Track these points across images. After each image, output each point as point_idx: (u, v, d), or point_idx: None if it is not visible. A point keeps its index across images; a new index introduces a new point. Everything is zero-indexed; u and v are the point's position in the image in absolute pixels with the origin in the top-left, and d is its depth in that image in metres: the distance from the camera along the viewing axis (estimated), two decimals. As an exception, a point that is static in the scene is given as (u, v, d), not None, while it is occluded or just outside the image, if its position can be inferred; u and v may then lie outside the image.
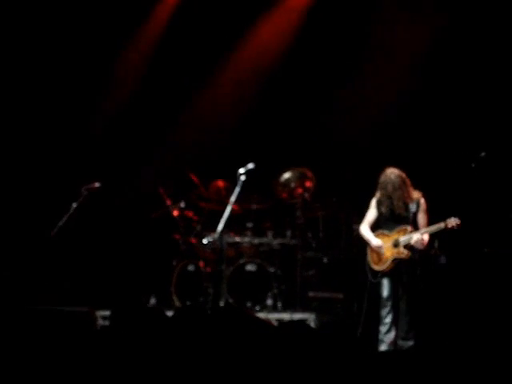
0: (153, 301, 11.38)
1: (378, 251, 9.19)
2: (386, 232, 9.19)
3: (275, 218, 11.74)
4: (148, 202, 12.12)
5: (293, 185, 11.57)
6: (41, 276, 11.15)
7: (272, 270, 11.20)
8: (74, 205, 10.40)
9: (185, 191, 11.76)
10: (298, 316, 10.79)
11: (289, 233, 11.51)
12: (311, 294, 11.37)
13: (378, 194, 9.30)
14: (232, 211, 9.42)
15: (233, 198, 9.35)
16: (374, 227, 9.36)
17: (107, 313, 10.09)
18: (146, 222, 12.03)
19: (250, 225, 11.49)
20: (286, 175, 11.61)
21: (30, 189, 12.20)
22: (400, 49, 11.65)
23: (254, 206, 11.56)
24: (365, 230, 9.40)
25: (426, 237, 9.02)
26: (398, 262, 9.06)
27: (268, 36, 12.35)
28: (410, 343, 8.98)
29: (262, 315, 10.40)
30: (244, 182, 9.31)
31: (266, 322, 8.63)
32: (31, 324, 7.74)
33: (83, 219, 11.13)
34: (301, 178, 11.56)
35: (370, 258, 9.30)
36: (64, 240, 10.56)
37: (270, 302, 11.05)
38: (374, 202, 9.36)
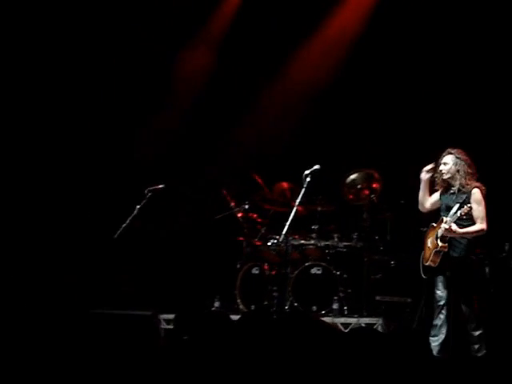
0: (217, 304, 11.28)
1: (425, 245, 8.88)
2: (434, 223, 8.83)
3: (341, 220, 11.56)
4: (212, 204, 12.05)
5: (359, 186, 11.34)
6: (105, 279, 11.15)
7: (338, 273, 11.00)
8: (138, 206, 10.37)
9: (249, 193, 11.67)
10: (364, 321, 10.55)
11: (355, 235, 11.30)
12: (378, 297, 11.11)
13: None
14: (297, 213, 9.27)
15: (298, 200, 9.21)
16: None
17: (171, 316, 10.05)
18: (209, 224, 11.94)
19: (315, 227, 11.32)
20: (353, 176, 11.39)
21: (93, 191, 12.23)
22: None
23: (320, 208, 11.37)
24: None
25: (453, 226, 8.51)
26: (442, 257, 8.70)
27: (337, 29, 12.19)
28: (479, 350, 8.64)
29: (327, 319, 10.25)
30: (309, 183, 9.17)
31: (333, 327, 8.48)
32: (97, 327, 7.73)
33: (147, 221, 11.07)
34: (368, 180, 11.33)
35: (423, 252, 8.97)
36: (128, 242, 10.51)
37: (335, 306, 10.83)
38: (437, 194, 9.01)
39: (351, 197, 11.41)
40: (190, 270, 12.04)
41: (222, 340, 7.35)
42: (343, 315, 10.78)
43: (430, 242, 8.77)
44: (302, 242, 11.28)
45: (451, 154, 8.77)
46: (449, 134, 11.11)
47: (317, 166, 9.16)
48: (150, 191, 10.46)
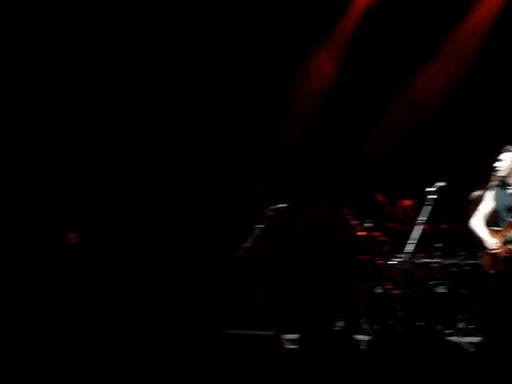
0: (340, 324, 11.19)
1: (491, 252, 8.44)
2: (496, 228, 8.43)
3: (467, 237, 11.30)
4: (333, 223, 11.99)
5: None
6: (228, 298, 11.22)
7: (464, 291, 10.76)
8: (259, 226, 10.40)
9: (371, 211, 11.56)
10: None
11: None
12: (507, 317, 10.81)
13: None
14: (421, 231, 9.12)
15: (421, 218, 9.06)
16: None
17: (295, 336, 10.01)
18: (331, 243, 11.88)
19: (439, 245, 11.10)
20: (478, 193, 11.14)
21: (212, 211, 12.36)
22: None
23: (444, 226, 11.15)
24: (478, 225, 8.62)
25: None
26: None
27: (466, 33, 11.98)
28: None
29: (453, 339, 10.03)
30: (433, 200, 9.01)
31: (461, 347, 8.26)
32: (220, 348, 7.76)
33: (268, 240, 11.10)
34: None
35: (484, 260, 8.57)
36: (249, 262, 10.56)
37: (462, 325, 10.60)
38: (491, 194, 8.65)
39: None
40: (312, 290, 11.99)
41: (347, 360, 7.27)
42: (470, 335, 10.54)
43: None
44: (426, 260, 11.09)
45: (510, 151, 8.46)
46: None
47: (441, 183, 9.00)
48: (271, 210, 10.49)
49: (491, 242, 8.45)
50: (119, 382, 7.11)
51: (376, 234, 11.52)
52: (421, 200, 9.33)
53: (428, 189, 9.05)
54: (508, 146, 8.49)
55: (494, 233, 8.42)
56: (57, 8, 12.08)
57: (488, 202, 8.64)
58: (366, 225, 11.42)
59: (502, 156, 8.49)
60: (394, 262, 11.09)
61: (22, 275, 10.63)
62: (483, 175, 11.29)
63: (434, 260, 11.05)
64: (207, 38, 12.42)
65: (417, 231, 9.03)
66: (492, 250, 8.46)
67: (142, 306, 11.00)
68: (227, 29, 12.34)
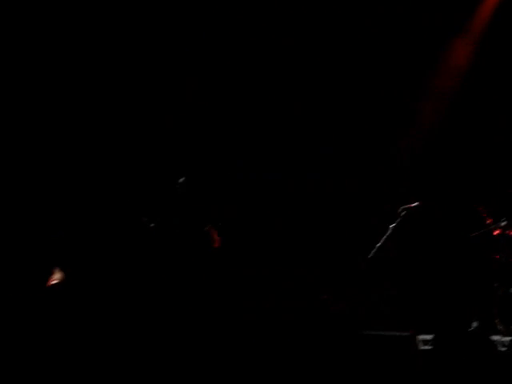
0: (475, 324, 11.01)
1: None
2: None
3: None
4: (467, 221, 11.81)
5: None
6: (360, 299, 11.24)
7: None
8: (391, 226, 10.34)
9: (507, 209, 11.32)
10: None
11: None
12: None
13: None
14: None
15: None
16: None
17: (429, 337, 9.94)
18: (465, 242, 11.71)
19: None
20: None
21: (346, 211, 12.39)
22: None
23: None
24: None
25: None
26: None
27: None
28: None
29: None
30: None
31: None
32: (355, 348, 7.81)
33: (402, 240, 11.03)
34: None
35: None
36: (383, 262, 10.52)
37: None
38: None
39: None
40: (446, 290, 11.87)
41: (483, 361, 7.21)
42: None
43: None
44: None
45: None
46: None
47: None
48: (403, 209, 10.41)
49: None
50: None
51: (511, 232, 11.29)
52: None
53: None
54: None
55: None
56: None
57: None
58: (502, 223, 11.20)
59: None
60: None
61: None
62: None
63: None
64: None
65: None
66: None
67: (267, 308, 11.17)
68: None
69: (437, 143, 12.41)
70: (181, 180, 10.97)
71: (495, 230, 11.20)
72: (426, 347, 10.05)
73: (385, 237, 10.24)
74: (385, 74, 12.48)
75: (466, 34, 12.43)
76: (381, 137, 12.60)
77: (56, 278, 9.93)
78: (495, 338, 9.12)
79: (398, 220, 10.32)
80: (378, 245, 10.21)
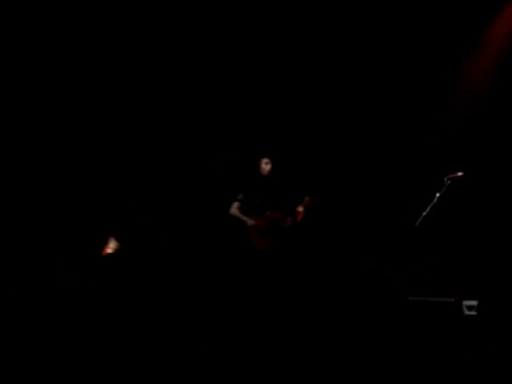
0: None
1: None
2: None
3: None
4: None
5: None
6: (408, 266, 11.32)
7: None
8: (438, 194, 10.41)
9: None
10: None
11: None
12: None
13: None
14: None
15: None
16: None
17: (474, 303, 9.99)
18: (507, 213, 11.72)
19: None
20: None
21: (391, 180, 12.52)
22: None
23: None
24: None
25: None
26: None
27: None
28: None
29: None
30: None
31: None
32: (401, 314, 7.93)
33: (446, 209, 11.09)
34: None
35: None
36: (428, 230, 10.60)
37: None
38: None
39: None
40: (491, 257, 11.87)
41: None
42: None
43: None
44: None
45: None
46: None
47: None
48: (449, 179, 10.47)
49: None
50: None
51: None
52: None
53: None
54: None
55: None
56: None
57: None
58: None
59: None
60: None
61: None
62: None
63: None
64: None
65: None
66: None
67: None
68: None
69: (486, 110, 12.37)
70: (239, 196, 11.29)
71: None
72: (472, 313, 10.15)
73: (430, 205, 10.33)
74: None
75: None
76: (429, 103, 12.60)
77: (111, 246, 10.19)
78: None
79: (444, 189, 10.40)
80: (425, 213, 10.30)
